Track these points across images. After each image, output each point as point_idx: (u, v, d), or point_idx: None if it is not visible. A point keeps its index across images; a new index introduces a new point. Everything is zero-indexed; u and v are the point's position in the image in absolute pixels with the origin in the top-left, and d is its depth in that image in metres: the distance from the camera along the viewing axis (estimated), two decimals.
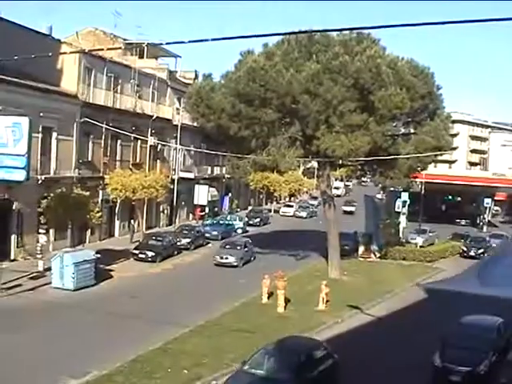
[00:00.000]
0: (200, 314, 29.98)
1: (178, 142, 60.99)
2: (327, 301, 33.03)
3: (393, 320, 32.23)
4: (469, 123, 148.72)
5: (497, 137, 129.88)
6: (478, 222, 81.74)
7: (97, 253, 37.99)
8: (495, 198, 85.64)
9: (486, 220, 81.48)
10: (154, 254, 45.00)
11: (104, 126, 48.92)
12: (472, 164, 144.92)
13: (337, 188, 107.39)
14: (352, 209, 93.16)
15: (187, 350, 24.68)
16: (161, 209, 62.12)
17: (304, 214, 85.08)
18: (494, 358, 22.54)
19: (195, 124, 48.06)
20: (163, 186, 52.26)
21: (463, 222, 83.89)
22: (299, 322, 30.14)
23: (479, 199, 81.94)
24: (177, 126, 61.14)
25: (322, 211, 49.39)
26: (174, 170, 63.19)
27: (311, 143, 39.80)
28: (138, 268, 42.67)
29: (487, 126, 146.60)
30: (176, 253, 48.60)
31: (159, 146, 59.55)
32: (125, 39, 62.03)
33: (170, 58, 71.09)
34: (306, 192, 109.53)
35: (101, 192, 50.30)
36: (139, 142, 55.73)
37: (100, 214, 44.45)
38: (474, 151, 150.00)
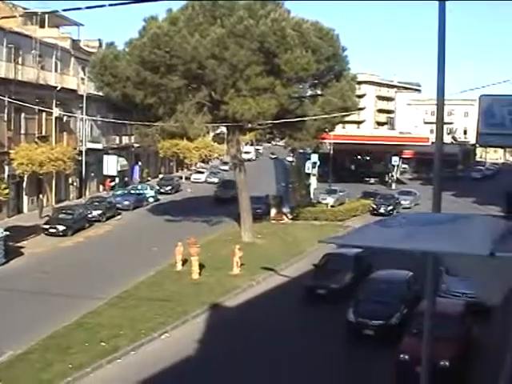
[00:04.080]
0: (115, 285, 29.83)
1: (85, 112, 59.94)
2: (241, 264, 33.31)
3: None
4: (375, 84, 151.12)
5: (402, 96, 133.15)
6: (386, 179, 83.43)
7: (5, 230, 37.11)
8: (403, 156, 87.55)
9: (395, 178, 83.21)
10: (64, 227, 44.32)
11: (6, 99, 47.37)
12: (380, 124, 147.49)
13: (247, 152, 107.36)
14: (228, 195, 59.10)
15: (103, 323, 24.57)
16: (70, 181, 60.92)
17: (215, 179, 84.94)
18: (405, 310, 23.38)
19: (101, 93, 47.21)
20: (71, 158, 51.39)
21: (372, 180, 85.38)
22: (214, 287, 30.46)
23: (387, 158, 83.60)
24: (82, 96, 59.95)
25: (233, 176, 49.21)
26: (82, 141, 61.97)
27: (219, 108, 39.74)
28: (49, 243, 41.90)
29: (393, 86, 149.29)
30: (88, 225, 47.94)
31: (65, 118, 58.33)
32: (25, 8, 60.06)
33: (72, 27, 69.27)
34: (217, 158, 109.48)
35: (6, 167, 48.93)
36: (44, 114, 54.24)
37: (7, 190, 43.31)
38: (381, 111, 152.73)
